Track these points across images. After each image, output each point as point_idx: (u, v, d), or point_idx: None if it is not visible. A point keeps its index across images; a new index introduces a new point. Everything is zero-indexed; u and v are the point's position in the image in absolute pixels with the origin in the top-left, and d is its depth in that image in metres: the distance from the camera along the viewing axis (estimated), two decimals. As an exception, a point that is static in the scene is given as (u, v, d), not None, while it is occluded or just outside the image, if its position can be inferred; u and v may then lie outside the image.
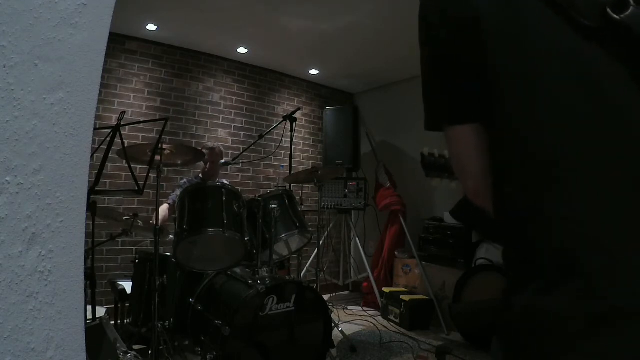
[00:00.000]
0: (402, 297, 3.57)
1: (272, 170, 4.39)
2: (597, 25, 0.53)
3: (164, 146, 2.11)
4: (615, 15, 0.51)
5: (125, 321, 2.48)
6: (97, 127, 2.71)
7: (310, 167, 3.06)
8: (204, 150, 3.12)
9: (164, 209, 2.90)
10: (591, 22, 0.53)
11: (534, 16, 0.56)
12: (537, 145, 0.55)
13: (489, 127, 0.63)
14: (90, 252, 2.14)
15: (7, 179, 0.60)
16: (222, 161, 3.05)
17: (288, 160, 3.17)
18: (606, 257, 0.49)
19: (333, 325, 2.60)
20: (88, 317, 1.96)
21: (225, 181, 3.31)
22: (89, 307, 2.02)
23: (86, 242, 0.83)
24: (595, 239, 0.50)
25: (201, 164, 3.06)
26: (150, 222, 2.60)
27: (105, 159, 1.74)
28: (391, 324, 3.58)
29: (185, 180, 3.12)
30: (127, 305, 2.49)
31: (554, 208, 0.53)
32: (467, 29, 0.61)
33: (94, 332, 1.53)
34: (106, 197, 3.27)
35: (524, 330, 0.54)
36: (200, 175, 3.14)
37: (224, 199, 2.18)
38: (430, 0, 0.68)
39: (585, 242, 0.51)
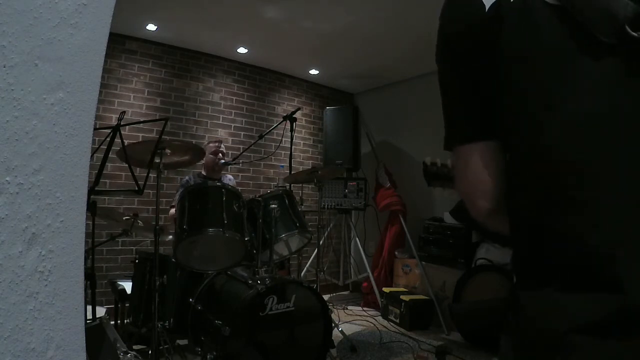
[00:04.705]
0: (402, 297, 3.57)
1: (272, 170, 4.39)
2: (614, 42, 0.53)
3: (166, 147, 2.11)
4: (633, 33, 0.51)
5: (125, 321, 2.48)
6: (97, 127, 2.71)
7: (310, 167, 3.06)
8: (210, 144, 3.12)
9: (173, 214, 2.86)
10: (608, 38, 0.53)
11: (550, 32, 0.57)
12: (556, 156, 0.55)
13: (507, 138, 0.63)
14: (90, 252, 2.14)
15: (7, 179, 0.60)
16: (222, 161, 3.05)
17: (288, 160, 3.17)
18: (631, 259, 0.49)
19: (333, 325, 2.60)
20: (88, 317, 1.96)
21: (230, 176, 3.31)
22: (89, 307, 2.02)
23: (86, 242, 0.83)
24: (619, 243, 0.50)
25: (202, 162, 3.05)
26: (164, 223, 2.55)
27: (105, 159, 1.74)
28: (391, 324, 3.58)
29: (187, 178, 3.12)
30: (127, 305, 2.49)
31: (573, 214, 0.53)
32: (490, 44, 0.61)
33: (94, 332, 1.53)
34: (106, 197, 3.27)
35: (540, 333, 0.54)
36: (203, 172, 3.13)
37: (224, 199, 2.18)
38: (452, 13, 0.68)
39: (612, 245, 0.50)
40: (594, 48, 0.53)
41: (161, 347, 2.18)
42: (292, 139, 3.14)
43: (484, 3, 0.62)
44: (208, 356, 2.00)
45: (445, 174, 0.86)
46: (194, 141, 3.82)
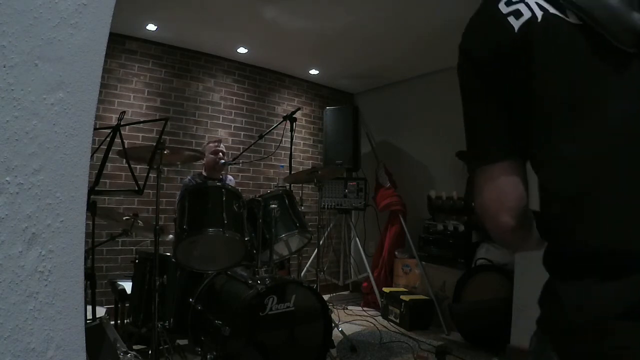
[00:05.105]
0: (402, 297, 3.57)
1: (272, 170, 4.39)
2: (634, 51, 0.58)
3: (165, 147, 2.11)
4: None
5: (125, 321, 2.48)
6: (97, 127, 2.71)
7: (310, 167, 3.06)
8: (210, 144, 3.12)
9: None
10: (631, 48, 0.58)
11: (578, 49, 0.61)
12: (590, 160, 0.59)
13: (534, 150, 0.66)
14: (90, 252, 2.14)
15: (7, 179, 0.60)
16: (222, 161, 3.05)
17: (288, 160, 3.17)
18: None
19: (333, 325, 2.60)
20: (88, 317, 1.96)
21: (230, 177, 3.31)
22: (89, 307, 2.02)
23: (86, 242, 0.83)
24: None
25: (202, 162, 3.05)
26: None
27: (105, 159, 1.74)
28: (391, 324, 3.58)
29: (187, 179, 3.12)
30: (127, 305, 2.49)
31: (605, 213, 0.57)
32: (521, 67, 0.64)
33: (94, 332, 1.53)
34: (106, 197, 3.27)
35: (582, 323, 0.56)
36: (204, 172, 3.13)
37: (224, 199, 2.18)
38: (481, 36, 0.70)
39: None
40: (618, 58, 0.59)
41: (161, 347, 2.18)
42: (292, 139, 3.14)
43: (513, 25, 0.65)
44: (208, 356, 2.00)
45: (449, 207, 0.89)
46: (194, 141, 3.82)
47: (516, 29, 0.64)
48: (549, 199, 0.64)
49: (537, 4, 0.65)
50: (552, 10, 0.63)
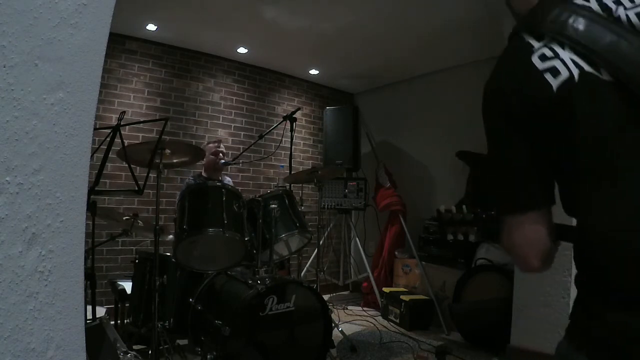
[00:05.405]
0: (402, 297, 3.57)
1: (272, 170, 4.39)
2: None
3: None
4: None
5: (125, 321, 2.48)
6: (97, 127, 2.71)
7: (310, 167, 3.06)
8: (210, 145, 3.11)
9: None
10: None
11: (609, 101, 0.64)
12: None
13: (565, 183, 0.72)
14: (90, 252, 2.14)
15: (7, 179, 0.60)
16: (222, 161, 3.05)
17: (288, 160, 3.17)
18: None
19: (333, 325, 2.60)
20: (88, 317, 1.96)
21: (228, 178, 3.31)
22: (89, 307, 2.02)
23: (86, 242, 0.83)
24: None
25: (202, 162, 3.05)
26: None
27: (105, 159, 1.74)
28: (391, 324, 3.58)
29: (187, 180, 3.11)
30: (127, 305, 2.49)
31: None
32: (558, 119, 0.67)
33: (94, 332, 1.53)
34: (106, 197, 3.27)
35: (620, 341, 0.62)
36: (204, 173, 3.13)
37: (224, 199, 2.18)
38: (510, 84, 0.72)
39: None
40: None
41: (161, 347, 2.18)
42: (292, 139, 3.14)
43: (551, 84, 0.66)
44: (208, 356, 2.00)
45: (459, 220, 0.94)
46: (194, 141, 3.82)
47: (555, 88, 0.66)
48: (599, 242, 0.66)
49: (573, 60, 0.66)
50: (586, 68, 0.65)
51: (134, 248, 3.35)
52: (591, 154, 0.65)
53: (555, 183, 0.74)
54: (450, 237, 0.95)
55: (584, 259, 0.70)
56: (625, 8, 0.65)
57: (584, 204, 0.68)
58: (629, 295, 0.61)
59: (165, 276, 2.27)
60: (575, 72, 0.65)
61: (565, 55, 0.66)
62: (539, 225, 0.72)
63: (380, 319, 3.72)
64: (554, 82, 0.66)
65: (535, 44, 0.69)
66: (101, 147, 1.90)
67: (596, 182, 0.66)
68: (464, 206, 0.94)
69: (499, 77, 0.74)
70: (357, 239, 4.19)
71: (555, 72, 0.66)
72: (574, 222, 0.73)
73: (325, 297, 3.81)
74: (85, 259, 1.72)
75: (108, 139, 1.87)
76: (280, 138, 3.59)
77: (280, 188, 2.70)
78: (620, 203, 0.64)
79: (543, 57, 0.67)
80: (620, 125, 0.63)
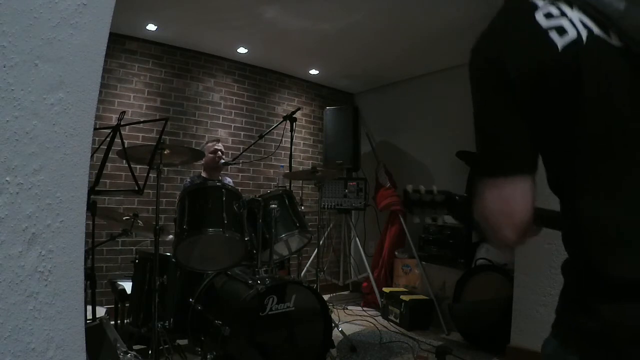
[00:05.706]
0: (402, 297, 3.56)
1: (272, 170, 4.39)
2: None
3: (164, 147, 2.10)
4: None
5: (125, 321, 2.48)
6: (97, 127, 2.71)
7: (310, 167, 3.05)
8: (209, 144, 3.11)
9: None
10: None
11: (619, 69, 0.60)
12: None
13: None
14: (90, 252, 2.14)
15: (7, 179, 0.60)
16: (222, 161, 3.04)
17: (288, 160, 3.17)
18: None
19: (333, 325, 2.60)
20: (88, 317, 1.96)
21: (228, 179, 3.31)
22: (89, 307, 2.02)
23: (86, 242, 0.83)
24: None
25: (202, 162, 3.05)
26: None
27: (105, 159, 1.75)
28: (391, 324, 3.58)
29: (187, 180, 3.11)
30: (127, 305, 2.49)
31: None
32: (564, 82, 0.61)
33: (94, 332, 1.53)
34: (106, 197, 3.27)
35: (614, 338, 0.58)
36: (203, 173, 3.13)
37: (224, 199, 2.18)
38: (510, 44, 0.65)
39: None
40: None
41: (161, 347, 2.18)
42: (292, 139, 3.14)
43: (556, 43, 0.61)
44: (208, 356, 2.00)
45: (429, 201, 0.83)
46: (193, 141, 3.82)
47: (559, 47, 0.60)
48: (594, 228, 0.62)
49: (582, 21, 0.61)
50: (596, 30, 0.60)
51: (134, 248, 3.35)
52: (596, 121, 0.60)
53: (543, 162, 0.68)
54: (416, 219, 0.86)
55: (577, 246, 0.65)
56: None
57: (582, 185, 0.63)
58: (628, 286, 0.57)
59: (165, 276, 2.27)
60: (584, 33, 0.60)
61: (574, 15, 0.61)
62: (522, 193, 0.65)
63: (380, 319, 3.71)
64: (560, 42, 0.60)
65: (540, 1, 0.64)
66: (101, 147, 1.90)
67: (600, 155, 0.60)
68: (434, 187, 0.83)
69: (496, 39, 0.66)
70: (357, 239, 4.19)
71: (561, 30, 0.60)
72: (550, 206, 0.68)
73: (325, 297, 3.81)
74: (85, 259, 1.72)
75: (108, 139, 1.87)
76: (280, 138, 3.59)
77: (280, 188, 2.69)
78: (625, 184, 0.59)
79: (548, 15, 0.62)
80: (631, 94, 0.58)
